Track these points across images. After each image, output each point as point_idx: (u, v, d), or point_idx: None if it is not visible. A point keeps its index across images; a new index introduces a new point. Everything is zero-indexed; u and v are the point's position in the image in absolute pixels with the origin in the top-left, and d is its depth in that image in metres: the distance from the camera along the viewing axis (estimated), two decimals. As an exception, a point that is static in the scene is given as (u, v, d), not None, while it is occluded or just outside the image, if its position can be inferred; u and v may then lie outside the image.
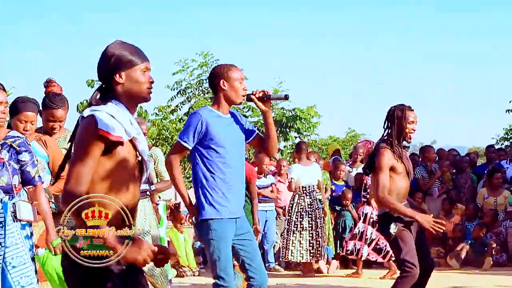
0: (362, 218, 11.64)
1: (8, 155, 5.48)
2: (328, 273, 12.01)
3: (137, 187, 3.69)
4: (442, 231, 6.61)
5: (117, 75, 3.62)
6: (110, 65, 3.63)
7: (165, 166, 5.98)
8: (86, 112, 3.55)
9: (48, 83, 6.88)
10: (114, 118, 3.52)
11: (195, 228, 5.99)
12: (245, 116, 6.51)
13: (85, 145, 3.47)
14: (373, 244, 11.41)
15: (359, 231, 11.56)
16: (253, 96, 5.70)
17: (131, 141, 3.60)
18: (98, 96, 3.67)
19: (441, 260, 12.55)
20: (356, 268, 11.76)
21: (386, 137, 6.66)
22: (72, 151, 3.59)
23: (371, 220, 11.42)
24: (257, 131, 5.90)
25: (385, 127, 6.70)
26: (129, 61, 3.64)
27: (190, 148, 5.71)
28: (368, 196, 11.60)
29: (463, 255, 12.42)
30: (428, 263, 6.72)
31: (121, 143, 3.51)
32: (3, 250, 5.37)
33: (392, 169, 6.51)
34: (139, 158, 3.67)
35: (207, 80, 6.04)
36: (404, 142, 6.69)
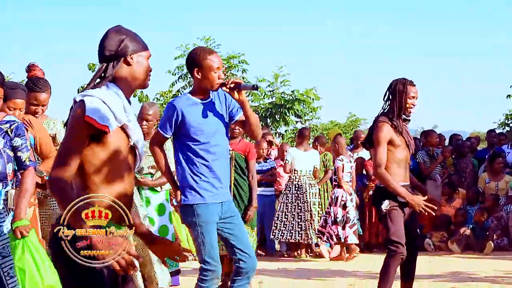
0: (334, 202, 11.79)
1: (3, 142, 5.37)
2: (330, 257, 12.03)
3: (131, 175, 3.68)
4: (434, 214, 6.62)
5: (129, 57, 3.63)
6: (122, 47, 3.62)
7: (151, 153, 5.97)
8: (78, 97, 3.55)
9: (30, 68, 6.79)
10: (105, 103, 3.51)
11: (179, 211, 5.98)
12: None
13: (73, 130, 3.49)
14: (349, 224, 11.61)
15: (334, 216, 11.68)
16: (225, 88, 5.63)
17: (122, 128, 3.59)
18: (98, 78, 3.66)
19: (442, 244, 12.57)
20: (355, 251, 11.80)
21: (386, 111, 6.66)
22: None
23: (342, 202, 11.66)
24: (240, 113, 5.81)
25: (385, 100, 6.69)
26: (139, 46, 3.68)
27: (169, 137, 5.77)
28: (337, 180, 11.79)
29: (464, 240, 12.44)
30: (413, 245, 6.73)
31: (106, 132, 3.50)
32: None
33: (390, 142, 6.51)
34: (131, 144, 3.64)
35: (186, 64, 5.95)
36: (404, 116, 6.68)
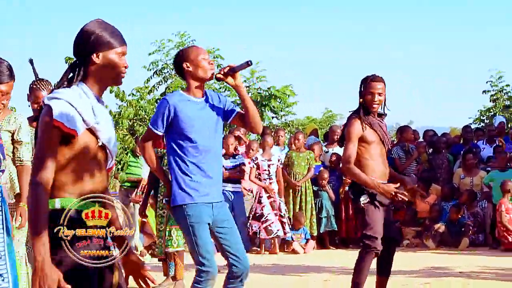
0: (255, 199, 12.34)
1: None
2: (304, 253, 12.05)
3: (102, 173, 3.62)
4: (406, 200, 6.63)
5: (94, 55, 3.56)
6: (89, 44, 3.55)
7: (140, 150, 5.91)
8: (46, 100, 3.50)
9: None
10: (72, 106, 3.47)
11: (170, 212, 5.89)
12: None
13: (44, 135, 3.44)
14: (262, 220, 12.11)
15: (255, 211, 12.21)
16: (219, 75, 5.58)
17: (90, 129, 3.54)
18: (69, 76, 3.60)
19: (416, 240, 12.60)
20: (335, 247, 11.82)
21: (358, 107, 6.67)
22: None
23: (260, 199, 12.20)
24: (237, 110, 5.75)
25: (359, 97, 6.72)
26: (108, 42, 3.58)
27: (161, 134, 5.62)
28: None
29: (439, 236, 12.47)
30: (392, 237, 6.75)
31: (74, 136, 3.46)
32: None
33: (363, 139, 6.50)
34: (100, 144, 3.58)
35: (174, 69, 5.89)
36: (384, 110, 6.70)
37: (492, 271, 9.65)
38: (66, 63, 18.48)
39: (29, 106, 7.02)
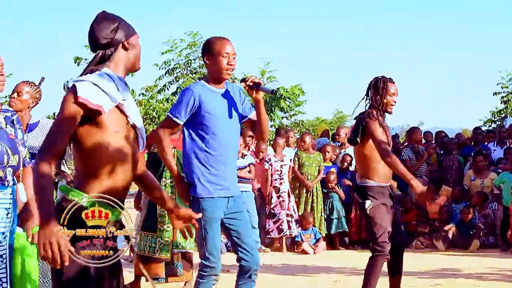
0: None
1: (14, 131, 5.06)
2: (314, 253, 12.05)
3: (136, 156, 3.66)
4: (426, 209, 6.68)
5: (126, 42, 3.68)
6: (118, 33, 3.66)
7: (154, 139, 5.83)
8: (69, 82, 3.55)
9: None
10: (97, 86, 3.51)
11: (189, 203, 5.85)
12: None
13: (64, 112, 3.46)
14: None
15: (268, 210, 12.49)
16: (243, 83, 5.56)
17: (118, 107, 3.58)
18: (95, 63, 3.66)
19: (427, 241, 12.58)
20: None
21: (367, 108, 6.71)
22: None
23: (271, 198, 12.45)
24: (250, 116, 5.73)
25: (368, 97, 6.75)
26: (131, 30, 3.73)
27: (181, 123, 5.55)
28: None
29: (449, 237, 12.44)
30: (400, 240, 6.77)
31: (100, 112, 3.49)
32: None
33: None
34: (131, 123, 3.64)
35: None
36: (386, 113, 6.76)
37: (502, 273, 9.63)
38: (75, 62, 18.52)
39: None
